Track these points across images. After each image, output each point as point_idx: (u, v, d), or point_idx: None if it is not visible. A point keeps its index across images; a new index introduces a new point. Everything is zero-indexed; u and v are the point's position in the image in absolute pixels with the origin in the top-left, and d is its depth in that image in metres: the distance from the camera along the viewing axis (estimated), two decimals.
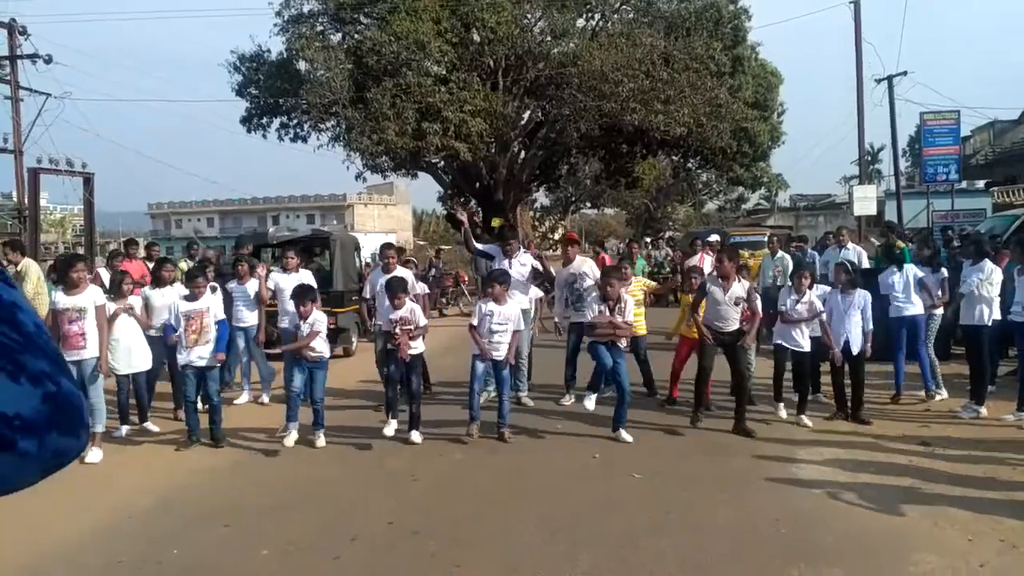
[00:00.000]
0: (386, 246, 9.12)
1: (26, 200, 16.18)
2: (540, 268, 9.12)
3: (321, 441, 7.57)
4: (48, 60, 19.57)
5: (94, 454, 7.13)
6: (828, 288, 8.57)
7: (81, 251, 16.03)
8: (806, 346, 8.22)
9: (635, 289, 9.30)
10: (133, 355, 7.82)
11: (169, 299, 8.15)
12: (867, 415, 8.10)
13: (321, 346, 7.66)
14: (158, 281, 8.69)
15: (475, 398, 7.67)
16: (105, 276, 10.63)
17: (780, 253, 12.98)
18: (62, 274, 7.66)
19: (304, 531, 5.39)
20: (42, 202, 19.44)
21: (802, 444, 7.32)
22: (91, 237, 16.76)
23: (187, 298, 7.73)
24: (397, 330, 7.47)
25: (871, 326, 8.19)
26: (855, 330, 8.12)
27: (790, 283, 8.75)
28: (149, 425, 8.24)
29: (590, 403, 7.74)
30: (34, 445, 0.70)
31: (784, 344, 8.29)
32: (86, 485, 6.61)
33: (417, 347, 7.66)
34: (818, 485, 6.11)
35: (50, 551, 5.12)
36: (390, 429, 7.48)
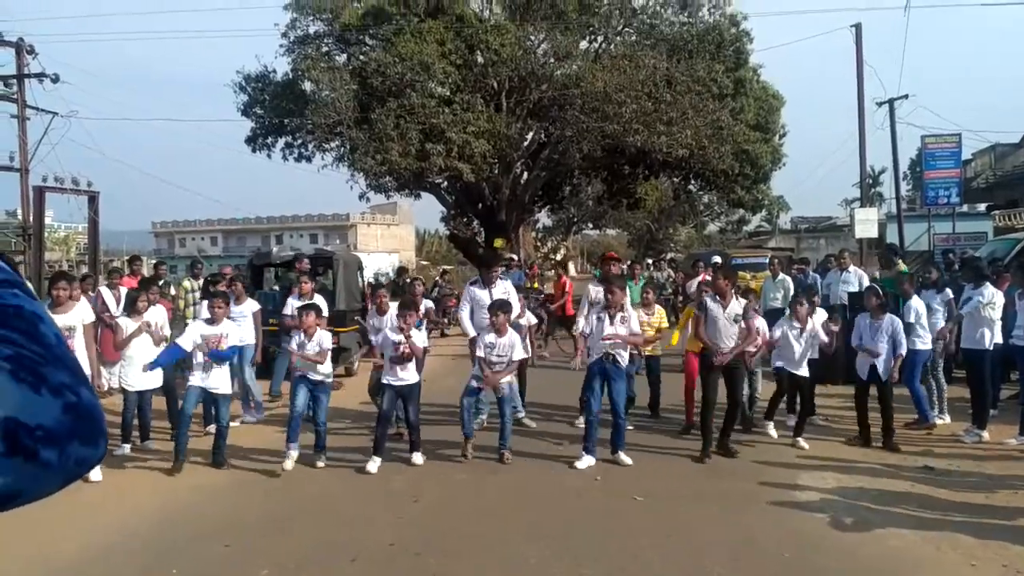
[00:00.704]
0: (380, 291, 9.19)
1: (31, 218, 16.27)
2: (514, 302, 8.95)
3: (322, 463, 7.56)
4: (55, 79, 19.70)
5: (95, 473, 7.11)
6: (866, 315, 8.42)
7: (86, 269, 16.08)
8: (803, 371, 8.23)
9: (654, 321, 9.25)
10: (147, 372, 7.80)
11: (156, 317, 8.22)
12: (863, 440, 8.08)
13: (325, 367, 7.66)
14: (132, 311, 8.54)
15: (466, 414, 7.70)
16: (106, 294, 10.67)
17: (781, 275, 12.99)
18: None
19: (304, 550, 5.38)
20: (47, 220, 19.50)
21: (805, 468, 7.30)
22: (95, 255, 16.82)
23: (207, 321, 7.67)
24: (400, 349, 7.49)
25: (903, 350, 8.11)
26: (881, 358, 8.10)
27: (788, 310, 8.76)
28: (150, 444, 8.22)
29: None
30: (56, 455, 0.72)
31: (784, 367, 8.30)
32: (87, 503, 6.60)
33: (411, 376, 7.63)
34: (820, 509, 6.09)
35: (51, 569, 5.11)
36: (373, 466, 7.37)
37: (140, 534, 5.80)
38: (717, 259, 16.14)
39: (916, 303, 8.82)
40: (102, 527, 5.95)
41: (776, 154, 30.35)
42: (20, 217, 16.35)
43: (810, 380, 8.37)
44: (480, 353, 7.72)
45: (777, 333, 8.33)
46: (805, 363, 8.24)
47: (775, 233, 49.62)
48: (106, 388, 7.64)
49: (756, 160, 27.75)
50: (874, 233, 23.73)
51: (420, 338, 7.78)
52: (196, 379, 7.48)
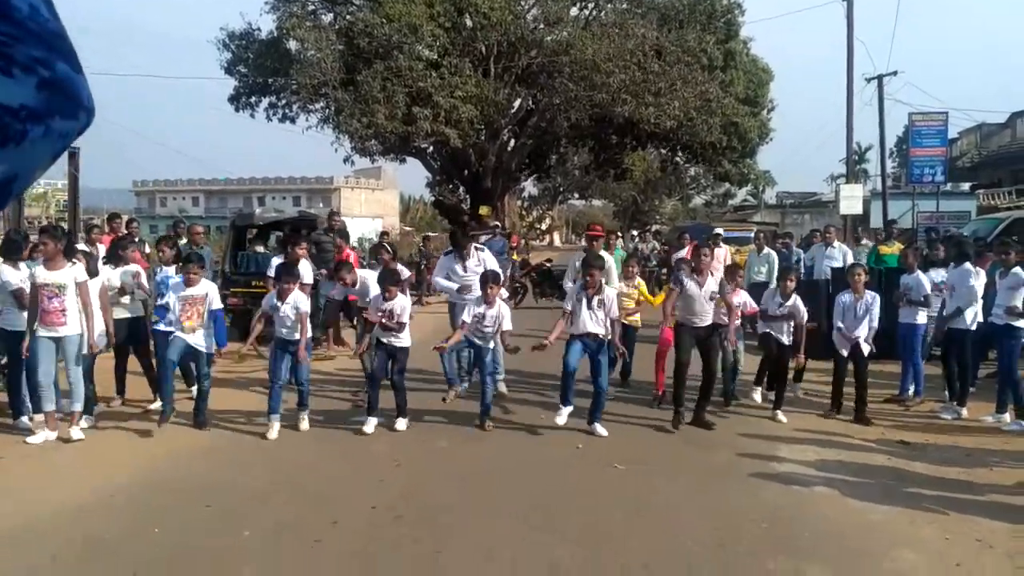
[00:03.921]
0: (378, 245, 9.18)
1: None
2: (487, 266, 8.93)
3: (305, 424, 7.55)
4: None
5: (76, 431, 7.07)
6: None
7: (65, 226, 15.85)
8: (786, 339, 8.28)
9: (633, 292, 9.29)
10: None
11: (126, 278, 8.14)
12: (846, 414, 8.17)
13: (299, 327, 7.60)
14: (116, 259, 8.42)
15: (447, 361, 7.75)
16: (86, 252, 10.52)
17: (766, 250, 13.05)
18: (13, 247, 7.57)
19: (286, 513, 5.38)
20: None
21: (784, 442, 7.37)
22: (75, 212, 16.54)
23: (184, 283, 7.57)
24: (384, 320, 7.48)
25: (876, 324, 8.22)
26: (863, 332, 8.17)
27: (775, 284, 8.79)
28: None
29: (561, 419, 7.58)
30: (41, 132, 0.70)
31: (771, 332, 8.34)
32: (69, 462, 6.58)
33: (404, 340, 7.63)
34: (799, 482, 6.16)
35: (32, 525, 5.08)
36: (370, 426, 7.43)
37: (121, 494, 5.78)
38: (719, 230, 16.13)
39: (923, 278, 8.87)
40: (84, 485, 5.92)
41: (764, 128, 30.32)
42: None
43: (789, 351, 8.42)
44: (467, 318, 7.69)
45: (768, 307, 8.36)
46: (787, 333, 8.28)
47: (760, 207, 49.77)
48: (98, 349, 7.51)
49: (744, 134, 27.72)
50: (859, 210, 23.87)
51: (406, 304, 7.73)
52: (177, 331, 7.42)
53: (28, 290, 7.12)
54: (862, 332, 8.13)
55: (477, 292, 7.96)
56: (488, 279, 7.77)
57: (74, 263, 7.24)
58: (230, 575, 4.46)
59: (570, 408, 7.53)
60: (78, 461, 6.62)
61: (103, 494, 5.75)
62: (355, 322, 9.99)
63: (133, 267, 8.30)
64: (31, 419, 7.31)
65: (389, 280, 7.64)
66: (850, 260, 12.41)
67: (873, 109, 24.59)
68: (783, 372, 8.39)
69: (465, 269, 8.68)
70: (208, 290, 7.60)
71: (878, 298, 8.29)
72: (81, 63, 0.77)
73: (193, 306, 7.42)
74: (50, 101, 0.71)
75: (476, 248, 9.05)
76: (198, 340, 7.45)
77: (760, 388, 8.60)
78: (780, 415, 8.15)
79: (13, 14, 0.70)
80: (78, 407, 7.16)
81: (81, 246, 10.66)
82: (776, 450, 7.07)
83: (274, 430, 7.30)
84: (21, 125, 0.68)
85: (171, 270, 8.32)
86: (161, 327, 7.99)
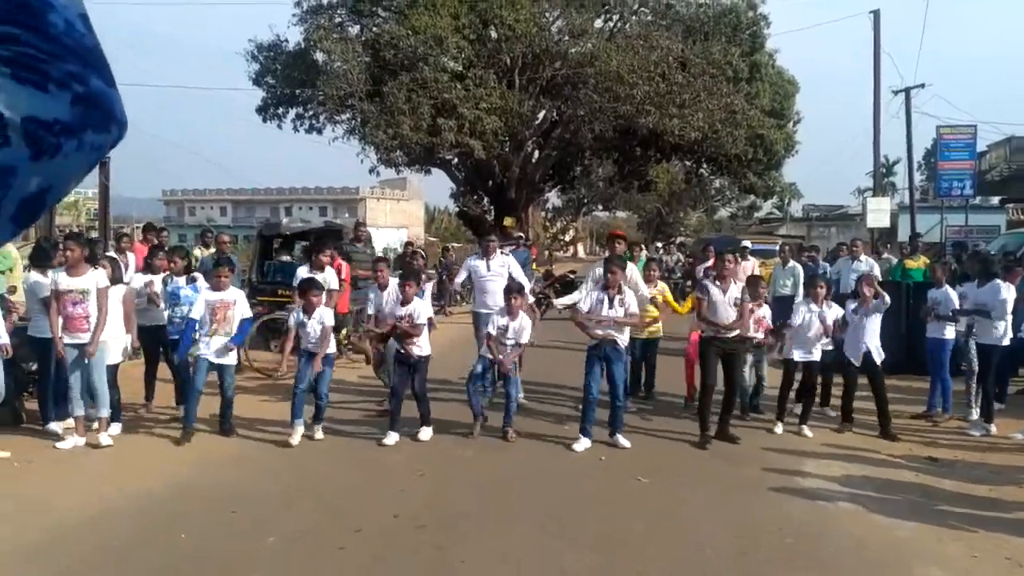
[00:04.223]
0: (378, 261, 9.12)
1: None
2: (512, 272, 8.93)
3: (319, 434, 7.58)
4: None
5: (105, 437, 7.17)
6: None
7: (96, 234, 16.10)
8: (816, 356, 8.19)
9: (656, 294, 9.27)
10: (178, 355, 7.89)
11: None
12: (870, 429, 8.08)
13: (327, 340, 7.68)
14: (151, 268, 8.55)
15: (474, 398, 7.72)
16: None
17: (792, 262, 12.96)
18: (43, 255, 7.68)
19: (310, 521, 5.42)
20: None
21: (809, 456, 7.30)
22: (105, 221, 16.82)
23: (212, 289, 7.69)
24: (405, 324, 7.52)
25: (829, 332, 8.15)
26: (874, 340, 8.10)
27: (801, 297, 8.72)
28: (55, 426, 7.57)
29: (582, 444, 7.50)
30: (74, 145, 0.73)
31: (795, 357, 8.22)
32: (97, 468, 6.67)
33: (423, 349, 7.68)
34: (824, 497, 6.11)
35: (60, 530, 5.16)
36: (390, 440, 7.43)
37: (148, 499, 5.85)
38: (747, 243, 16.03)
39: (951, 293, 8.77)
40: (111, 492, 6.00)
41: (790, 141, 30.17)
42: None
43: (822, 369, 8.35)
44: (492, 331, 7.73)
45: (798, 320, 8.24)
46: (818, 348, 8.19)
47: (786, 220, 49.44)
48: (131, 351, 7.65)
49: (770, 146, 27.61)
50: (886, 223, 23.63)
51: (424, 307, 7.78)
52: (204, 349, 7.49)
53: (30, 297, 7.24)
54: (872, 341, 8.06)
55: (500, 302, 7.99)
56: (512, 290, 7.79)
57: (96, 268, 7.35)
58: None
59: (588, 443, 7.40)
60: (106, 467, 6.71)
61: (130, 499, 5.82)
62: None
63: (149, 276, 8.40)
64: (59, 425, 7.40)
65: (411, 277, 7.69)
66: (877, 274, 12.31)
67: (901, 122, 24.37)
68: (811, 387, 8.31)
69: (488, 268, 8.70)
70: (237, 297, 7.69)
71: (835, 307, 8.21)
72: (114, 77, 0.80)
73: (222, 311, 7.51)
74: (84, 115, 0.74)
75: (502, 251, 9.07)
76: (222, 356, 7.51)
77: (781, 424, 8.33)
78: (806, 430, 8.07)
79: (49, 30, 0.73)
80: (105, 413, 7.24)
81: (111, 254, 10.85)
82: (801, 465, 7.01)
83: (297, 436, 7.36)
84: (55, 139, 0.71)
85: (182, 280, 8.30)
86: (175, 337, 8.01)
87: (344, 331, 10.54)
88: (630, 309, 7.53)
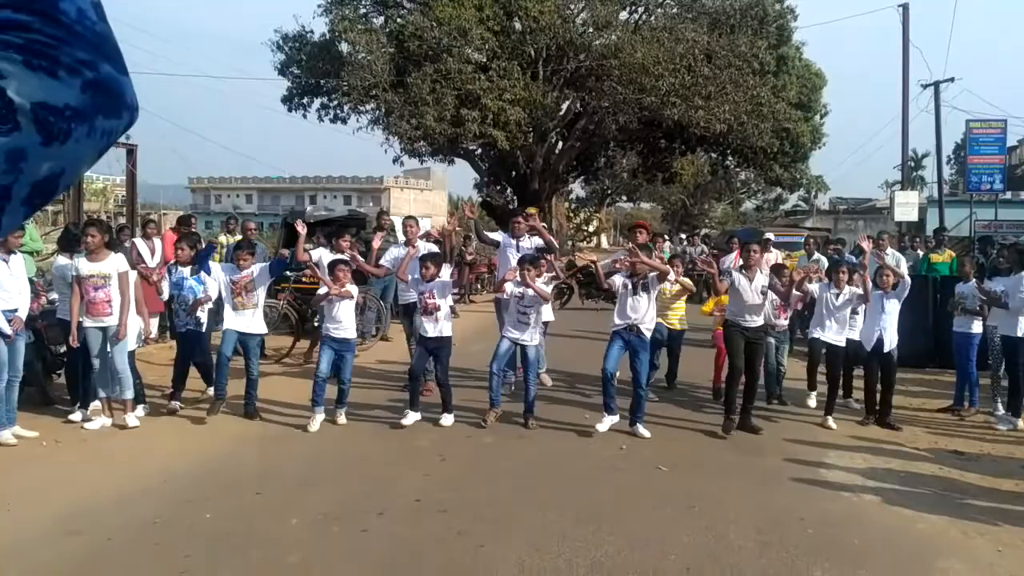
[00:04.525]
0: (408, 218, 9.38)
1: None
2: (543, 242, 9.02)
3: (342, 418, 7.66)
4: None
5: (131, 419, 7.28)
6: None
7: (123, 221, 16.29)
8: (840, 341, 8.14)
9: (675, 289, 9.23)
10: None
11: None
12: (898, 422, 8.02)
13: (349, 323, 7.75)
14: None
15: (495, 380, 7.77)
16: (141, 245, 10.79)
17: (816, 255, 12.85)
18: (72, 240, 7.76)
19: (333, 503, 5.47)
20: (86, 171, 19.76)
21: (832, 447, 7.26)
22: (132, 208, 17.01)
23: (235, 269, 7.82)
24: (424, 301, 7.59)
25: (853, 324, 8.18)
26: (890, 329, 8.04)
27: (828, 280, 8.65)
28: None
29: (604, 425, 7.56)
30: (85, 131, 0.74)
31: (819, 336, 8.21)
32: (123, 449, 6.78)
33: (445, 329, 7.72)
34: (847, 488, 6.07)
35: (87, 509, 5.24)
36: (409, 419, 7.52)
37: (174, 479, 5.93)
38: (770, 235, 15.92)
39: (979, 286, 8.65)
40: (137, 472, 6.10)
41: (816, 133, 29.86)
42: None
43: (846, 360, 8.29)
44: (509, 289, 7.83)
45: (813, 289, 8.24)
46: (843, 335, 8.14)
47: (812, 213, 48.96)
48: (153, 335, 7.75)
49: (796, 138, 27.34)
50: (914, 217, 23.36)
51: (444, 283, 7.84)
52: (230, 321, 7.61)
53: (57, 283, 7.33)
54: (888, 329, 8.00)
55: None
56: (524, 260, 7.86)
57: (117, 253, 7.45)
58: (279, 561, 4.55)
59: (615, 418, 7.48)
60: (132, 447, 6.81)
61: (156, 480, 5.91)
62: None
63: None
64: (86, 407, 7.51)
65: (431, 258, 7.75)
66: (903, 267, 12.18)
67: (930, 115, 24.07)
68: (837, 376, 8.26)
69: (519, 250, 8.73)
70: (255, 269, 7.80)
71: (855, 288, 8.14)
72: (126, 64, 0.82)
73: (243, 286, 7.62)
74: (94, 101, 0.76)
75: (529, 236, 9.10)
76: (248, 325, 7.64)
77: (814, 393, 8.44)
78: (830, 421, 8.03)
79: (60, 18, 0.75)
80: (129, 395, 7.34)
81: (138, 240, 10.98)
82: (824, 456, 6.97)
83: (316, 422, 7.44)
84: (66, 124, 0.73)
85: (187, 271, 8.07)
86: (179, 330, 8.04)
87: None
88: (653, 284, 7.53)
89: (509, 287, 7.82)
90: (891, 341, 8.04)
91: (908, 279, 8.18)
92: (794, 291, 8.09)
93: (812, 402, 8.38)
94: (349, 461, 6.61)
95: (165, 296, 8.28)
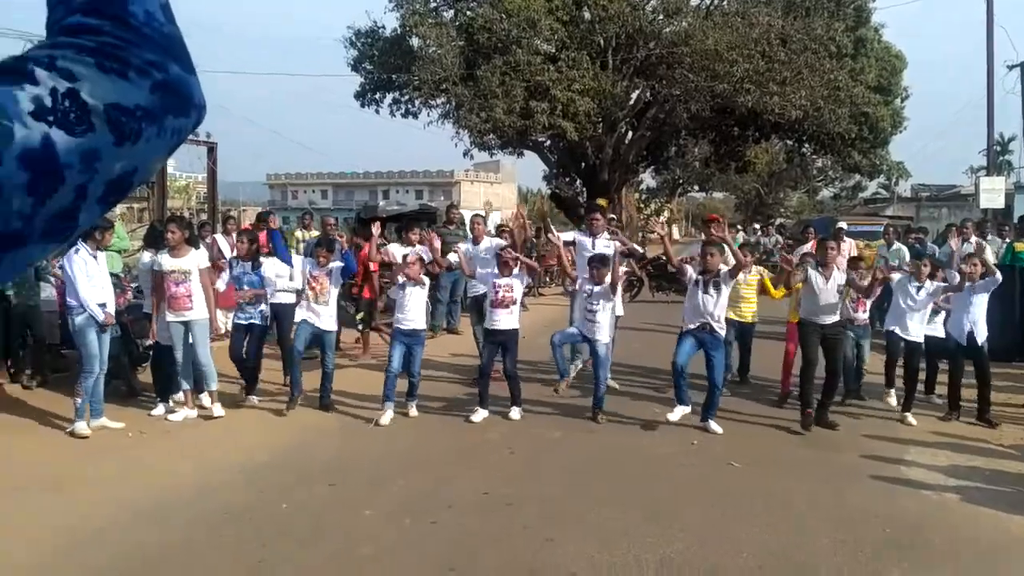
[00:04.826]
0: (475, 216, 9.55)
1: None
2: (625, 248, 8.97)
3: (413, 411, 7.79)
4: None
5: (217, 409, 7.53)
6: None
7: (204, 217, 16.83)
8: (919, 337, 7.88)
9: (751, 279, 9.06)
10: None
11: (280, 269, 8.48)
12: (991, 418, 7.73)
13: (419, 315, 7.87)
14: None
15: (557, 352, 7.79)
16: (221, 241, 11.14)
17: (896, 244, 12.44)
18: (156, 236, 8.01)
19: (404, 495, 5.57)
20: (169, 169, 20.49)
21: (913, 445, 7.04)
22: (213, 204, 17.56)
23: (315, 266, 7.98)
24: (500, 294, 7.64)
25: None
26: (980, 322, 7.74)
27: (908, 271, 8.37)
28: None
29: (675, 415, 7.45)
30: (156, 130, 0.78)
31: (896, 332, 7.96)
32: (205, 440, 7.03)
33: (513, 322, 7.76)
34: (927, 487, 5.89)
35: (166, 498, 5.46)
36: (478, 417, 7.59)
37: (252, 470, 6.13)
38: (843, 224, 15.45)
39: None
40: (218, 462, 6.32)
41: (897, 117, 28.83)
42: None
43: (928, 355, 8.03)
44: (578, 285, 7.88)
45: (900, 297, 7.99)
46: (922, 330, 7.88)
47: (893, 201, 47.30)
48: (223, 331, 7.99)
49: (875, 123, 26.44)
50: (1001, 204, 22.33)
51: (518, 284, 7.87)
52: (304, 314, 7.80)
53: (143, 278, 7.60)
54: (979, 321, 7.69)
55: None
56: (595, 260, 7.83)
57: (199, 249, 7.70)
58: (351, 552, 4.66)
59: (687, 408, 7.40)
60: (213, 438, 7.06)
61: (235, 470, 6.12)
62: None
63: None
64: (170, 399, 7.79)
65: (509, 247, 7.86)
66: (989, 256, 11.69)
67: (1016, 98, 22.98)
68: (914, 372, 8.01)
69: (594, 246, 8.71)
70: (334, 268, 7.96)
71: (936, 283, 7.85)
72: (193, 64, 0.86)
73: (321, 282, 7.79)
74: (164, 101, 0.79)
75: (608, 230, 9.05)
76: (324, 322, 7.81)
77: (892, 390, 8.18)
78: (910, 417, 7.78)
79: (130, 20, 0.78)
80: (213, 386, 7.61)
81: (218, 236, 11.34)
82: (904, 453, 6.77)
83: (386, 416, 7.55)
84: (137, 124, 0.76)
85: (248, 265, 8.12)
86: (240, 321, 8.05)
87: (361, 314, 10.80)
88: (727, 278, 7.39)
89: (578, 285, 7.83)
90: (981, 335, 7.75)
91: (999, 275, 7.84)
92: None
93: (892, 400, 8.14)
94: (420, 454, 6.71)
95: (222, 288, 8.46)
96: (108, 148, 0.74)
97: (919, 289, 7.82)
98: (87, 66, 0.74)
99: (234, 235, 11.43)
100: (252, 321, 8.02)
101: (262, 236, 9.31)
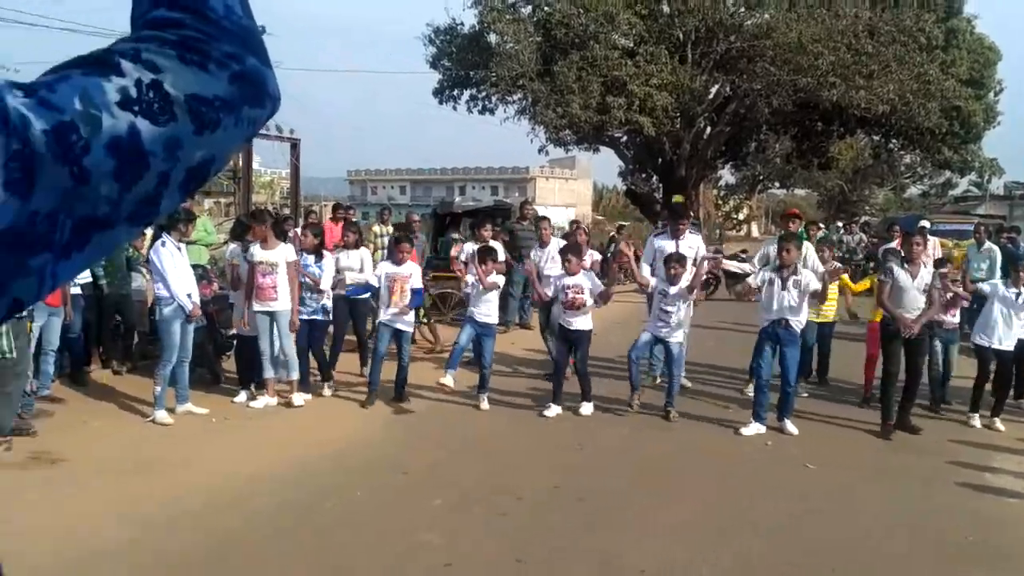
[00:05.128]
0: (541, 218, 9.84)
1: (240, 163, 17.65)
2: (700, 251, 8.79)
3: (485, 404, 7.85)
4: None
5: (297, 398, 7.76)
6: None
7: (288, 211, 17.29)
8: (1010, 345, 7.56)
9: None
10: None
11: (352, 262, 8.65)
12: None
13: (493, 311, 7.94)
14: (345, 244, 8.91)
15: (634, 368, 7.72)
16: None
17: (988, 244, 11.94)
18: (244, 229, 8.23)
19: (475, 486, 5.65)
20: (254, 165, 21.08)
21: (1000, 451, 6.79)
22: (296, 199, 18.03)
23: (393, 263, 8.08)
24: (570, 296, 7.64)
25: None
26: None
27: (999, 277, 8.04)
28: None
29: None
30: (233, 120, 0.82)
31: (984, 343, 7.65)
32: (285, 427, 7.25)
33: (584, 323, 7.75)
34: (1012, 494, 5.68)
35: (252, 483, 5.65)
36: (551, 412, 7.61)
37: (330, 458, 6.29)
38: (925, 223, 14.92)
39: None
40: (298, 449, 6.50)
41: (990, 112, 27.63)
42: (231, 162, 17.75)
43: (1015, 356, 7.70)
44: (654, 284, 7.83)
45: (984, 288, 7.67)
46: (1013, 337, 7.55)
47: (985, 199, 45.26)
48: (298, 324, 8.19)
49: (967, 118, 25.40)
50: None
51: (593, 279, 7.85)
52: (385, 317, 7.93)
53: (243, 269, 7.82)
54: None
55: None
56: (672, 259, 7.75)
57: (287, 243, 7.92)
58: (419, 539, 4.75)
59: (762, 428, 7.18)
60: (293, 426, 7.27)
61: (314, 457, 6.29)
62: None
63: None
64: (251, 386, 8.03)
65: (571, 251, 7.80)
66: None
67: None
68: (1007, 378, 7.69)
69: (678, 248, 8.61)
70: (413, 271, 8.07)
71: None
72: (270, 57, 0.90)
73: (399, 283, 7.92)
74: (241, 92, 0.83)
75: (690, 232, 8.88)
76: (403, 322, 7.93)
77: (977, 415, 7.72)
78: (998, 423, 7.49)
79: (209, 14, 0.81)
80: (295, 375, 7.82)
81: (299, 231, 11.62)
82: (990, 459, 6.53)
83: (448, 379, 7.68)
84: (216, 114, 0.80)
85: (311, 258, 8.15)
86: (302, 316, 8.01)
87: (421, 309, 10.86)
88: (808, 288, 7.23)
89: (654, 284, 7.76)
90: None
91: None
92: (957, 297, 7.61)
93: (976, 423, 7.64)
94: (491, 446, 6.78)
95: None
96: (189, 137, 0.79)
97: (1018, 296, 7.50)
98: (169, 58, 0.78)
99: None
100: (314, 317, 8.08)
101: (338, 227, 9.45)
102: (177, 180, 0.80)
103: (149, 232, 8.22)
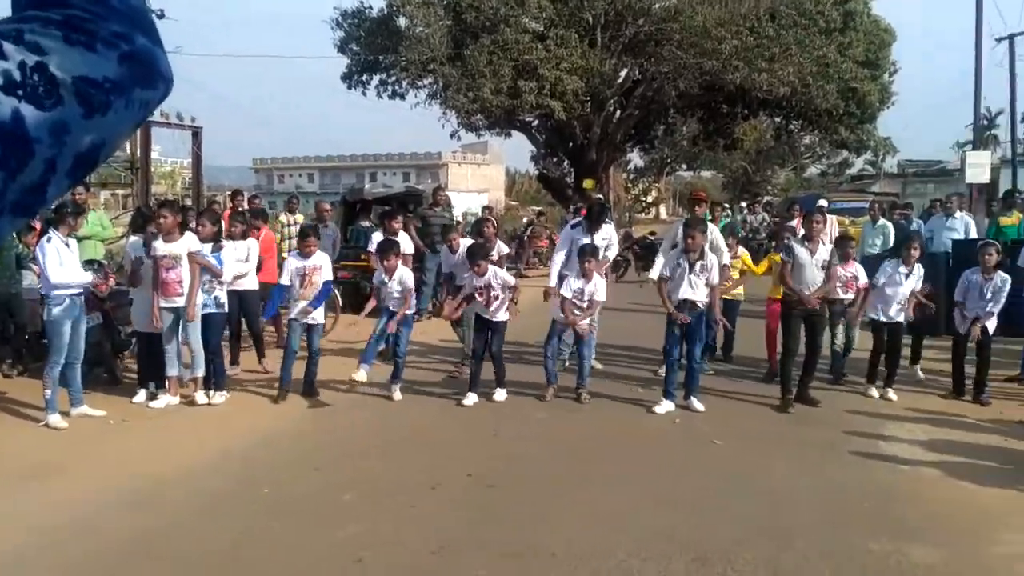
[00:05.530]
0: (484, 220, 9.74)
1: (139, 152, 16.97)
2: (614, 248, 8.97)
3: (397, 394, 7.76)
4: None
5: (200, 396, 7.51)
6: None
7: (189, 202, 16.74)
8: (900, 318, 7.93)
9: (736, 263, 9.08)
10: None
11: (239, 253, 8.37)
12: (966, 393, 7.80)
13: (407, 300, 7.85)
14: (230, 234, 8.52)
15: (550, 361, 7.77)
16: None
17: (882, 220, 12.47)
18: (145, 221, 7.89)
19: (386, 478, 5.59)
20: (153, 154, 20.29)
21: (892, 420, 7.12)
22: (199, 189, 17.49)
23: (300, 256, 7.85)
24: (480, 297, 7.62)
25: (998, 308, 7.70)
26: (989, 313, 7.75)
27: (889, 254, 8.42)
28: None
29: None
30: (124, 102, 0.78)
31: (877, 317, 8.01)
32: (187, 426, 7.02)
33: (501, 315, 7.74)
34: (905, 462, 5.95)
35: (148, 485, 5.45)
36: (469, 400, 7.58)
37: (235, 455, 6.13)
38: (823, 202, 15.47)
39: None
40: (200, 450, 6.30)
41: (885, 92, 28.74)
42: (128, 151, 17.06)
43: (906, 328, 8.08)
44: (567, 294, 7.74)
45: (882, 279, 8.01)
46: (901, 311, 7.92)
47: (880, 177, 47.33)
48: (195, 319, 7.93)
49: (863, 99, 26.39)
50: (986, 178, 22.40)
51: (502, 275, 7.84)
52: (296, 312, 7.74)
53: (145, 262, 7.48)
54: (986, 314, 7.68)
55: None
56: (586, 252, 7.77)
57: (187, 233, 7.63)
58: (333, 532, 4.68)
59: (671, 405, 7.32)
60: (196, 424, 7.05)
61: (217, 455, 6.12)
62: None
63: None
64: (151, 385, 7.73)
65: (478, 255, 7.75)
66: (973, 232, 11.74)
67: (1004, 71, 23.01)
68: (898, 350, 8.06)
69: (593, 240, 8.67)
70: (322, 262, 7.89)
71: (1008, 280, 7.73)
72: (160, 36, 0.86)
73: (308, 275, 7.74)
74: (131, 73, 0.79)
75: (606, 222, 8.96)
76: (313, 316, 7.75)
77: (874, 386, 8.06)
78: (891, 393, 7.85)
79: None
80: (200, 373, 7.57)
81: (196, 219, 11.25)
82: (883, 428, 6.84)
83: (360, 374, 7.50)
84: (105, 96, 0.76)
85: (207, 248, 7.78)
86: (206, 310, 7.71)
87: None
88: (712, 275, 7.39)
89: (567, 293, 7.80)
90: (991, 324, 7.74)
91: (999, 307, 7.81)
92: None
93: (874, 393, 7.98)
94: (404, 436, 6.73)
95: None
96: (77, 121, 0.74)
97: (907, 274, 7.86)
98: (54, 39, 0.74)
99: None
100: (208, 310, 7.71)
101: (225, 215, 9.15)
102: (65, 167, 0.75)
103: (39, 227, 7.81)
